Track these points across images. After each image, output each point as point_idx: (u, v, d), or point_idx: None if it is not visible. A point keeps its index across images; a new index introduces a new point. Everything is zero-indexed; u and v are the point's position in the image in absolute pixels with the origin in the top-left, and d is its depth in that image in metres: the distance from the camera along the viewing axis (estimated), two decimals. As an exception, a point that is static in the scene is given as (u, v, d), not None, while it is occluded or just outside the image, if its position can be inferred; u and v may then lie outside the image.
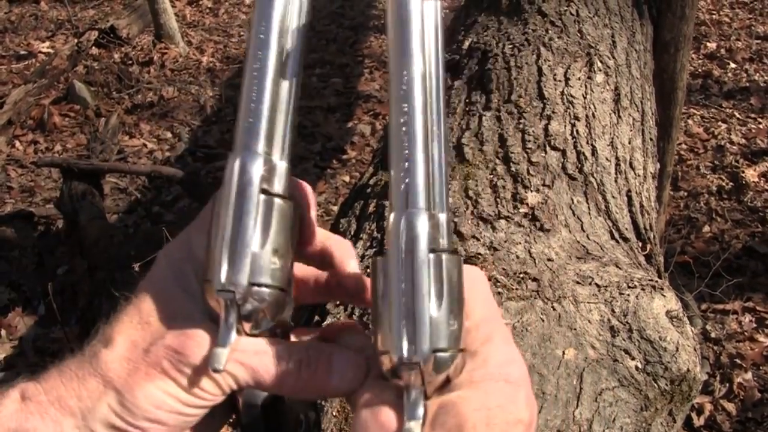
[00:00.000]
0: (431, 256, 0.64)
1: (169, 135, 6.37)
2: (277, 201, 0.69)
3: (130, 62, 7.58)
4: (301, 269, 0.81)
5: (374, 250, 1.60)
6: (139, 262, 3.67)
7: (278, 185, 0.70)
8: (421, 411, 0.64)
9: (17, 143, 6.39)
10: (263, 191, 0.68)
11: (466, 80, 2.23)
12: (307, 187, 0.77)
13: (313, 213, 0.77)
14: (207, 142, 6.21)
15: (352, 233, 1.71)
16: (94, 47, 7.84)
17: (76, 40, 7.88)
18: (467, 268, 0.70)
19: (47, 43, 8.28)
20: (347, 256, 0.80)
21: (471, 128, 1.97)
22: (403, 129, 0.67)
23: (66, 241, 4.90)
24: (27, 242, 5.08)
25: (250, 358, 0.68)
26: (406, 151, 0.67)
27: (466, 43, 2.43)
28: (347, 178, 5.53)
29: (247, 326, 0.67)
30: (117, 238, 4.44)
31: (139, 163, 5.90)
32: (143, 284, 0.72)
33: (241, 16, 8.92)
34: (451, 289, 0.65)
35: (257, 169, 0.68)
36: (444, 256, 0.65)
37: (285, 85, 0.73)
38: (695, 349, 1.46)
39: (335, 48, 7.87)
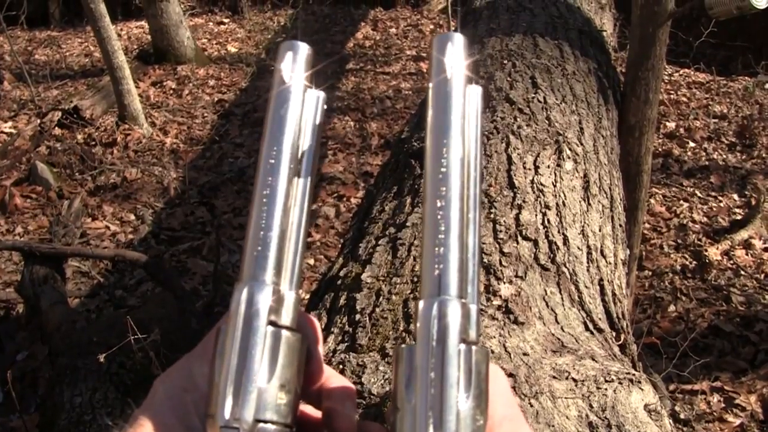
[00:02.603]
0: (462, 346, 0.63)
1: (132, 217, 6.31)
2: (285, 333, 0.66)
3: (94, 143, 7.55)
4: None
5: (346, 344, 1.58)
6: (102, 348, 3.60)
7: (286, 317, 0.68)
8: None
9: (-23, 225, 6.30)
10: (271, 323, 0.66)
11: (435, 168, 2.22)
12: (314, 321, 0.75)
13: (321, 348, 0.75)
14: (170, 225, 6.16)
15: (323, 327, 1.67)
16: (57, 128, 7.80)
17: (38, 121, 7.84)
18: None
19: (9, 123, 8.22)
20: (346, 398, 0.76)
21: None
22: (440, 213, 0.66)
23: (27, 326, 4.81)
24: (-15, 327, 4.99)
25: None
26: (441, 236, 0.65)
27: (435, 131, 2.42)
28: (312, 261, 5.51)
29: None
30: (79, 323, 4.36)
31: (101, 246, 5.84)
32: (139, 414, 0.69)
33: (205, 97, 8.94)
34: (479, 383, 0.63)
35: (265, 301, 0.65)
36: (474, 349, 0.64)
37: (295, 212, 0.73)
38: (674, 444, 1.44)
39: (299, 130, 7.88)
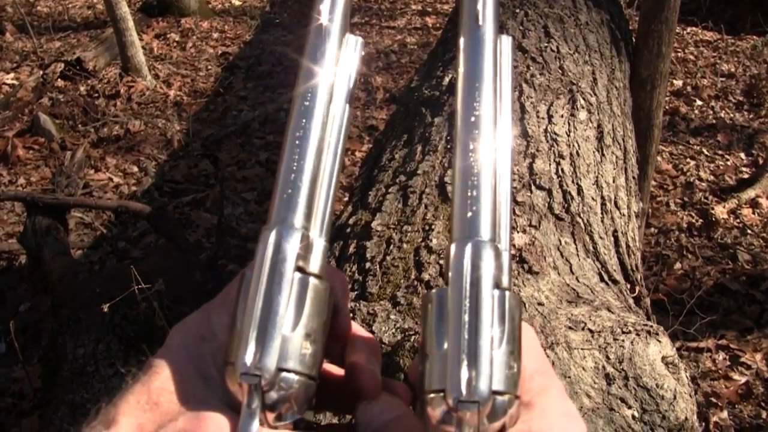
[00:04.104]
0: (496, 291, 0.59)
1: (135, 169, 6.27)
2: (313, 281, 0.63)
3: (97, 95, 7.49)
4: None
5: (356, 293, 1.55)
6: (105, 299, 3.58)
7: (315, 265, 0.64)
8: None
9: (-21, 176, 6.26)
10: (298, 269, 0.62)
11: (446, 117, 2.18)
12: (342, 273, 0.72)
13: (348, 303, 0.71)
14: (174, 177, 6.12)
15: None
16: (59, 79, 7.74)
17: (41, 72, 7.78)
18: None
19: (12, 75, 8.15)
20: (371, 353, 0.72)
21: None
22: (472, 156, 0.64)
23: (29, 278, 4.79)
24: (-12, 278, 4.97)
25: None
26: (474, 179, 0.63)
27: (446, 79, 2.39)
28: (317, 214, 5.48)
29: (270, 417, 0.60)
30: (82, 274, 4.34)
31: (104, 197, 5.80)
32: (153, 361, 0.65)
33: (209, 50, 8.87)
34: (513, 330, 0.60)
35: (293, 245, 0.62)
36: (507, 294, 0.61)
37: (329, 157, 0.70)
38: (691, 396, 1.41)
39: (304, 83, 7.83)
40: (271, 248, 0.62)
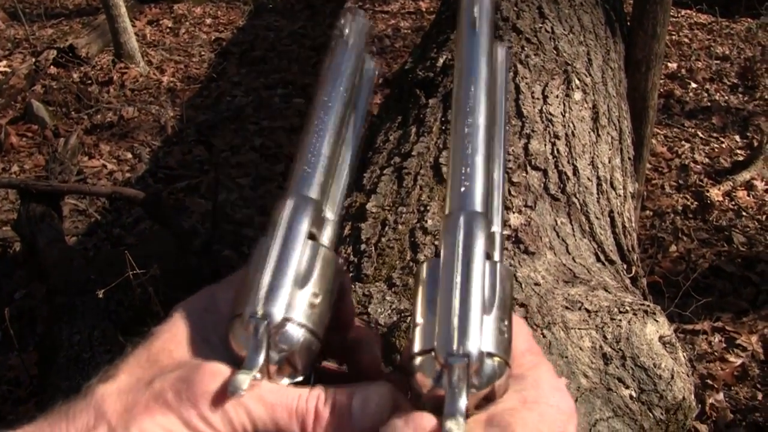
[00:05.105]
0: (488, 262, 0.61)
1: (129, 156, 6.25)
2: (323, 249, 0.66)
3: (90, 82, 7.47)
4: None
5: (351, 274, 1.54)
6: (100, 286, 3.58)
7: (326, 238, 0.69)
8: (463, 409, 0.56)
9: (-28, 164, 6.24)
10: (311, 236, 0.65)
11: (441, 98, 2.18)
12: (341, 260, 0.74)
13: (352, 298, 0.74)
14: (168, 163, 6.10)
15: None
16: (52, 66, 7.71)
17: (33, 59, 7.75)
18: None
19: (4, 62, 8.11)
20: (371, 335, 0.76)
21: (448, 147, 1.92)
22: (467, 131, 0.67)
23: (24, 265, 4.78)
24: (-18, 266, 4.95)
25: (270, 394, 0.60)
26: (468, 155, 0.66)
27: (440, 61, 2.38)
28: (311, 199, 5.47)
29: (272, 369, 0.61)
30: (77, 261, 4.33)
31: (98, 184, 5.78)
32: (154, 330, 0.67)
33: (202, 36, 8.85)
34: (504, 299, 0.61)
35: (308, 213, 0.66)
36: (499, 265, 0.62)
37: (346, 152, 0.76)
38: (689, 376, 1.40)
39: (297, 68, 7.81)
40: (288, 212, 0.66)
